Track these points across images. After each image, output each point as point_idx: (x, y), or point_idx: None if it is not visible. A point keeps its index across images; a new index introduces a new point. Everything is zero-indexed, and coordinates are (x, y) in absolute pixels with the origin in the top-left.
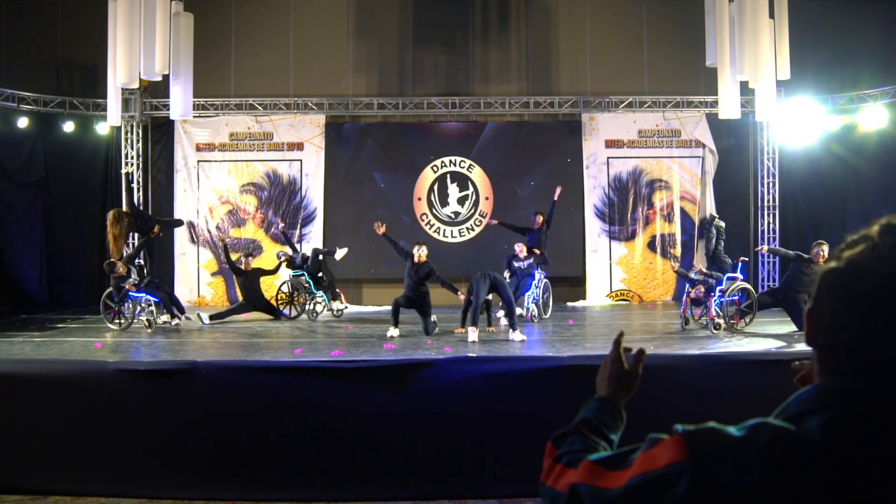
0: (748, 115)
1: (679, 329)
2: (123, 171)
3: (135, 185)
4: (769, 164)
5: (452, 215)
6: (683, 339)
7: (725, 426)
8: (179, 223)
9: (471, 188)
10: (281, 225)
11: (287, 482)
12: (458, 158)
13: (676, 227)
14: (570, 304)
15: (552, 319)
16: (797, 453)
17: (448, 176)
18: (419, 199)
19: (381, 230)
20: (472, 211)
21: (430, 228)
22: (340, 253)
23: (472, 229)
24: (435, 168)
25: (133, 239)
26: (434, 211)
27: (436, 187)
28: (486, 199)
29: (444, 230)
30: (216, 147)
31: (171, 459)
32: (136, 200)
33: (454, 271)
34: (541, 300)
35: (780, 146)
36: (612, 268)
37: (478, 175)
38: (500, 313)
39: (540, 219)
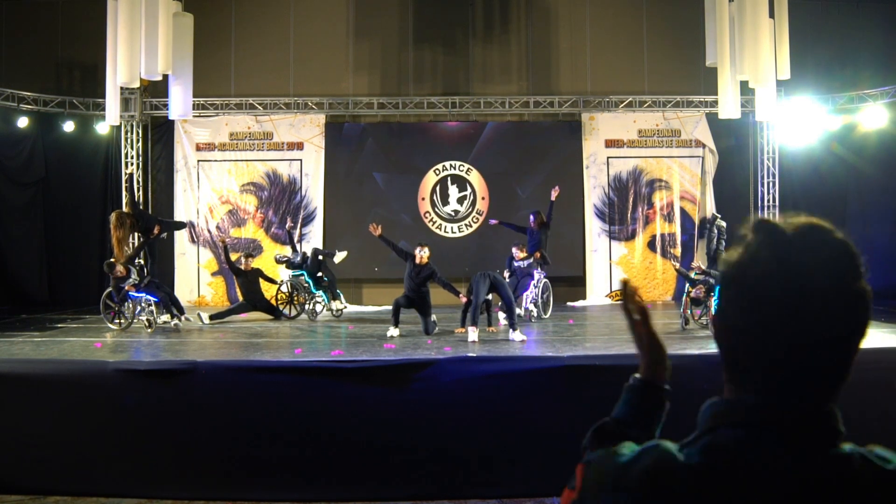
0: (748, 115)
1: (679, 329)
2: (126, 172)
3: (135, 185)
4: (769, 164)
5: (452, 213)
6: (683, 339)
7: (627, 448)
8: (182, 226)
9: (469, 189)
10: (289, 224)
11: (287, 482)
12: (458, 163)
13: (676, 227)
14: (570, 303)
15: (552, 319)
16: (671, 481)
17: (448, 178)
18: (423, 198)
19: (377, 232)
20: (470, 209)
21: (432, 225)
22: (339, 256)
23: (470, 226)
24: (437, 171)
25: (134, 239)
26: (436, 209)
27: (437, 188)
28: (483, 198)
29: (445, 227)
30: (216, 147)
31: (171, 459)
32: (136, 200)
33: (455, 266)
34: (540, 300)
35: (780, 146)
36: (612, 267)
37: (475, 177)
38: (501, 314)
39: (535, 219)
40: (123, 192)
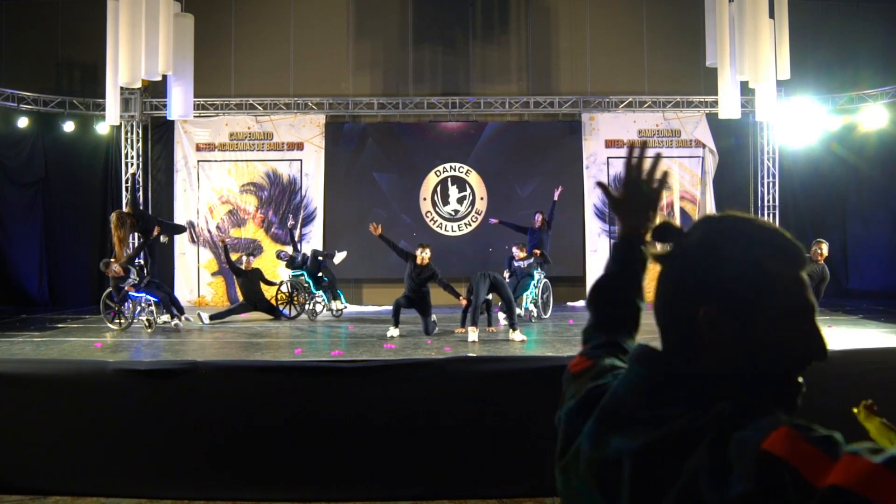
0: (748, 115)
1: None
2: (129, 172)
3: (135, 185)
4: (769, 164)
5: (452, 213)
6: None
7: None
8: (182, 229)
9: (468, 190)
10: (290, 222)
11: (287, 482)
12: (457, 164)
13: None
14: (570, 303)
15: (552, 319)
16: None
17: (448, 179)
18: (424, 198)
19: (377, 232)
20: (470, 209)
21: (433, 224)
22: (339, 257)
23: (470, 224)
24: (438, 173)
25: (134, 240)
26: (437, 209)
27: (438, 189)
28: (482, 199)
29: (445, 225)
30: (216, 147)
31: (171, 459)
32: (137, 200)
33: (455, 265)
34: (540, 300)
35: (780, 146)
36: None
37: (474, 178)
38: (501, 314)
39: (540, 218)
40: (124, 193)
